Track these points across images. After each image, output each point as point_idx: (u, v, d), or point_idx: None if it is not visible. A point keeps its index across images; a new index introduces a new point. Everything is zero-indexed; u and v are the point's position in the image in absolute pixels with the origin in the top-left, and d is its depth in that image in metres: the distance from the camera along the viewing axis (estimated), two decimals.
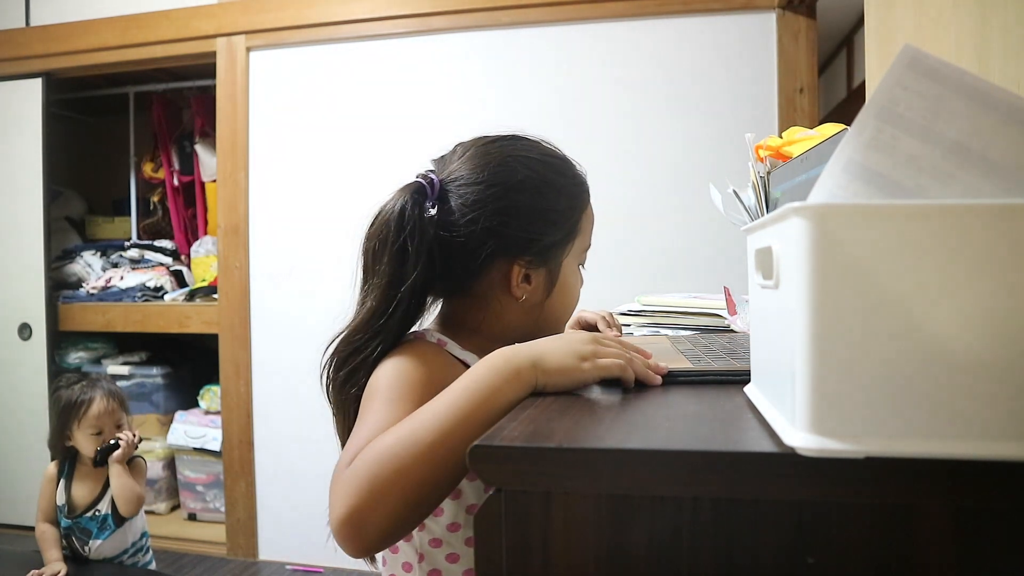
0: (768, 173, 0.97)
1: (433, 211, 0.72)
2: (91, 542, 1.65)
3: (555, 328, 0.80)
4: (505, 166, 0.74)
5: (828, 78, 3.26)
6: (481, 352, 0.70)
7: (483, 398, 0.54)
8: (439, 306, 0.80)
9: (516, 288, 0.74)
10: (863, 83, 1.83)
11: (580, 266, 0.81)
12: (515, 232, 0.72)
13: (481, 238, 0.71)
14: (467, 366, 0.69)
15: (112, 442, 1.65)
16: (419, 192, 0.72)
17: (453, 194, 0.73)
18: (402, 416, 0.57)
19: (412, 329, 0.75)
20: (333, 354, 0.72)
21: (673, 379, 0.60)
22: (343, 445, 0.71)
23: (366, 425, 0.59)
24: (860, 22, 2.53)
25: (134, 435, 1.68)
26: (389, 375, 0.65)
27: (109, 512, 1.67)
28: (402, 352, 0.68)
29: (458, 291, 0.76)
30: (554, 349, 0.58)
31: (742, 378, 0.56)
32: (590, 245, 0.82)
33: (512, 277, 0.73)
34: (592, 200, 0.83)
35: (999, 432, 0.34)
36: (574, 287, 0.80)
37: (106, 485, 1.68)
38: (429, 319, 0.79)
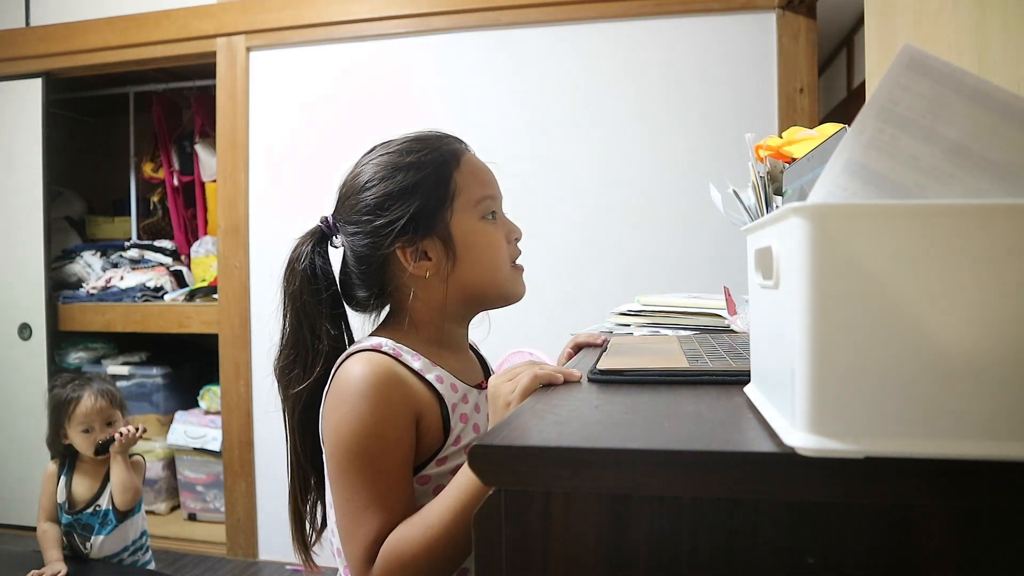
0: (768, 173, 0.97)
1: (338, 243, 0.84)
2: (92, 538, 1.66)
3: (489, 287, 0.81)
4: (356, 177, 0.82)
5: (828, 78, 3.26)
6: (434, 346, 0.80)
7: (476, 496, 0.63)
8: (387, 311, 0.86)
9: (415, 268, 0.78)
10: (863, 83, 1.83)
11: (487, 217, 0.81)
12: (377, 224, 0.78)
13: (357, 244, 0.80)
14: (422, 379, 0.75)
15: (112, 436, 1.67)
16: (314, 235, 0.84)
17: (339, 220, 0.83)
18: (392, 495, 0.69)
19: (367, 337, 0.81)
20: (275, 363, 0.83)
21: (669, 379, 0.60)
22: (290, 433, 0.86)
23: (365, 507, 0.69)
24: (860, 22, 2.53)
25: (137, 429, 1.69)
26: (358, 432, 0.70)
27: (110, 507, 1.68)
28: (360, 388, 0.71)
29: (379, 295, 0.82)
30: (492, 419, 0.66)
31: (742, 378, 0.56)
32: (491, 195, 0.82)
33: (403, 261, 0.78)
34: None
35: (999, 432, 0.34)
36: (480, 243, 0.80)
37: (106, 480, 1.69)
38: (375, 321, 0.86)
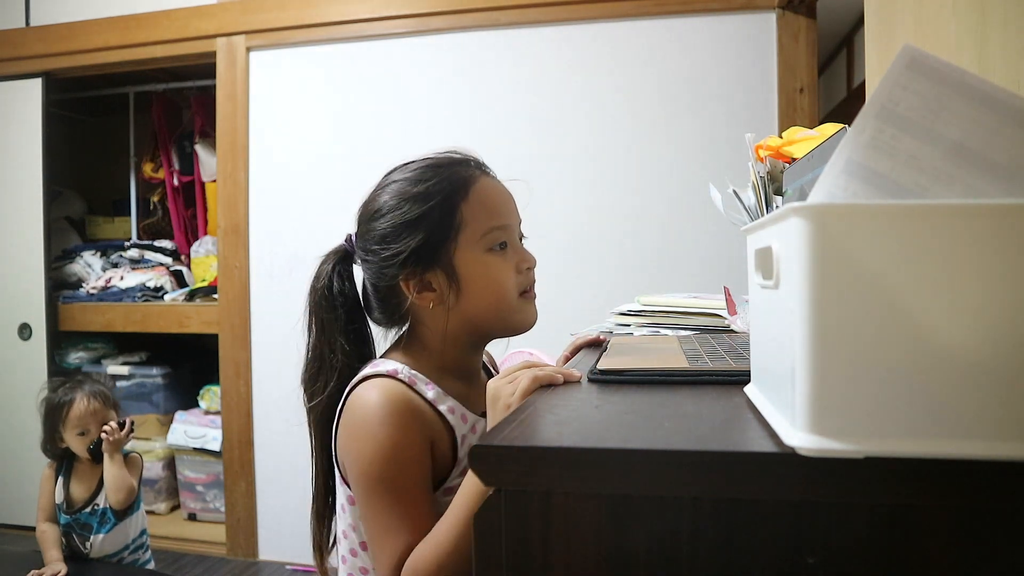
0: (768, 173, 0.97)
1: (357, 263, 0.85)
2: (92, 538, 1.66)
3: (493, 319, 0.80)
4: (371, 203, 0.83)
5: (828, 78, 3.26)
6: (445, 373, 0.81)
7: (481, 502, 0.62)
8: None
9: (418, 298, 0.79)
10: (863, 83, 1.83)
11: (494, 249, 0.79)
12: (385, 254, 0.79)
13: (368, 271, 0.83)
14: (435, 409, 0.76)
15: (98, 437, 1.66)
16: (337, 254, 0.86)
17: (358, 242, 0.85)
18: (414, 514, 0.70)
19: (383, 359, 0.82)
20: (301, 375, 0.85)
21: (669, 379, 0.60)
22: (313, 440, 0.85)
23: (388, 529, 0.71)
24: (860, 22, 2.53)
25: (122, 425, 1.67)
26: (378, 459, 0.72)
27: (107, 506, 1.67)
28: (378, 415, 0.73)
29: (392, 318, 0.84)
30: (490, 421, 0.66)
31: (742, 378, 0.56)
32: (500, 226, 0.80)
33: (406, 291, 0.79)
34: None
35: (999, 432, 0.34)
36: (484, 276, 0.78)
37: (102, 480, 1.69)
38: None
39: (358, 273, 0.87)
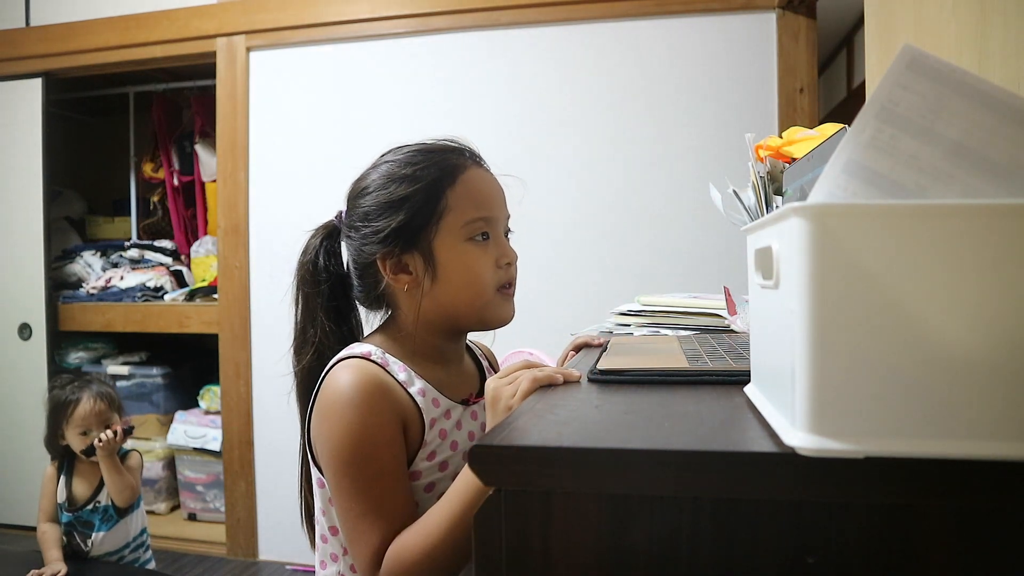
0: (768, 173, 0.97)
1: (352, 237, 0.84)
2: (93, 535, 1.66)
3: (467, 310, 0.79)
4: (360, 181, 0.84)
5: (828, 78, 3.26)
6: (421, 357, 0.80)
7: (474, 502, 0.63)
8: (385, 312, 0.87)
9: (394, 279, 0.79)
10: (863, 83, 1.83)
11: (476, 239, 0.79)
12: (366, 231, 0.80)
13: (350, 246, 0.83)
14: (407, 391, 0.76)
15: (96, 440, 1.66)
16: (327, 229, 0.87)
17: (345, 219, 0.85)
18: (389, 499, 0.70)
19: (360, 342, 0.82)
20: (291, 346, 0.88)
21: (669, 379, 0.60)
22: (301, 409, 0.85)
23: (364, 515, 0.70)
24: (860, 22, 2.53)
25: (116, 433, 1.66)
26: (348, 441, 0.71)
27: (110, 503, 1.68)
28: (348, 396, 0.72)
29: (369, 297, 0.85)
30: (490, 421, 0.66)
31: (742, 378, 0.56)
32: (484, 217, 0.79)
33: (382, 270, 0.79)
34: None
35: (999, 432, 0.34)
36: (461, 265, 0.78)
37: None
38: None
39: (345, 251, 0.87)
